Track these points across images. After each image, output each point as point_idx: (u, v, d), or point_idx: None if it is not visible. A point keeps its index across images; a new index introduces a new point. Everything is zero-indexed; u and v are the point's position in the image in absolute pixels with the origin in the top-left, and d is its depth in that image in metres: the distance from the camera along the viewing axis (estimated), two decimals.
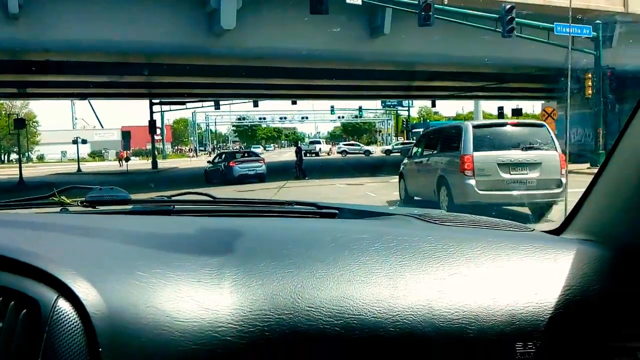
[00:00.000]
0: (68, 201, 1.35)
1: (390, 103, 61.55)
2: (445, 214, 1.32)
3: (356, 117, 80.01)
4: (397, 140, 60.67)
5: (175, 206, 1.38)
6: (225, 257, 0.87)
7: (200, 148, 75.86)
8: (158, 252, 0.88)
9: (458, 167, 8.71)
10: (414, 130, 56.17)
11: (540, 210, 8.71)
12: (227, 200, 1.51)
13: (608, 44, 19.84)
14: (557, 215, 8.00)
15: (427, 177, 9.97)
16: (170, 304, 0.76)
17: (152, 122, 37.16)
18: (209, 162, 23.60)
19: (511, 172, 8.59)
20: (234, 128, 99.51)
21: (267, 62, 20.27)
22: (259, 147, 71.74)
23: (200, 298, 0.78)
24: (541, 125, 9.50)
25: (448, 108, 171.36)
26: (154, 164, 37.39)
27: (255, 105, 45.59)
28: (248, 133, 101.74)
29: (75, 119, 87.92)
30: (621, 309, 0.85)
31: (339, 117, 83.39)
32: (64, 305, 0.73)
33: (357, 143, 63.79)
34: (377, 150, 56.16)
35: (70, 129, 76.98)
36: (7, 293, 0.73)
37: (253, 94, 36.53)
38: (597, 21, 18.58)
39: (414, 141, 15.94)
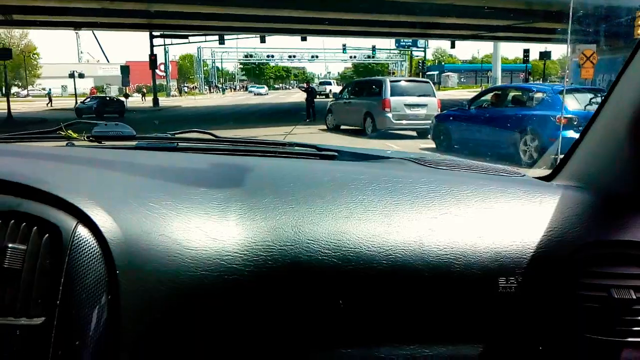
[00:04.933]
0: (75, 135, 1.37)
1: (404, 43, 58.84)
2: (439, 158, 1.33)
3: (369, 57, 76.91)
4: None
5: (179, 144, 1.38)
6: (230, 192, 0.90)
7: (205, 86, 74.18)
8: (167, 185, 0.91)
9: (380, 106, 13.74)
10: (428, 73, 53.96)
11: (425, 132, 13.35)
12: (229, 139, 1.47)
13: None
14: None
15: (354, 112, 14.96)
16: (181, 234, 0.81)
17: (152, 57, 35.37)
18: (82, 102, 30.18)
19: (411, 110, 13.81)
20: (241, 66, 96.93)
21: None
22: (264, 87, 70.74)
23: (208, 229, 0.83)
24: (427, 82, 15.77)
25: (464, 51, 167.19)
26: (155, 101, 36.01)
27: (263, 41, 43.35)
28: (255, 72, 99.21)
29: (81, 52, 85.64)
30: (600, 251, 0.89)
31: (350, 57, 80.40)
32: (83, 232, 0.77)
33: None
34: None
35: (75, 62, 74.96)
36: (30, 219, 0.77)
37: (260, 28, 34.37)
38: None
39: None
